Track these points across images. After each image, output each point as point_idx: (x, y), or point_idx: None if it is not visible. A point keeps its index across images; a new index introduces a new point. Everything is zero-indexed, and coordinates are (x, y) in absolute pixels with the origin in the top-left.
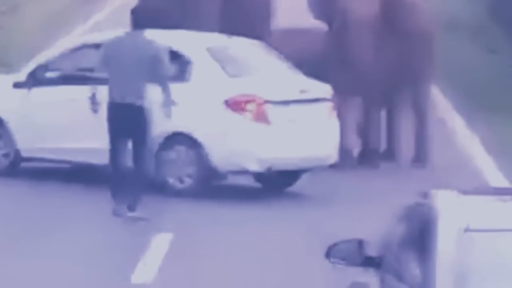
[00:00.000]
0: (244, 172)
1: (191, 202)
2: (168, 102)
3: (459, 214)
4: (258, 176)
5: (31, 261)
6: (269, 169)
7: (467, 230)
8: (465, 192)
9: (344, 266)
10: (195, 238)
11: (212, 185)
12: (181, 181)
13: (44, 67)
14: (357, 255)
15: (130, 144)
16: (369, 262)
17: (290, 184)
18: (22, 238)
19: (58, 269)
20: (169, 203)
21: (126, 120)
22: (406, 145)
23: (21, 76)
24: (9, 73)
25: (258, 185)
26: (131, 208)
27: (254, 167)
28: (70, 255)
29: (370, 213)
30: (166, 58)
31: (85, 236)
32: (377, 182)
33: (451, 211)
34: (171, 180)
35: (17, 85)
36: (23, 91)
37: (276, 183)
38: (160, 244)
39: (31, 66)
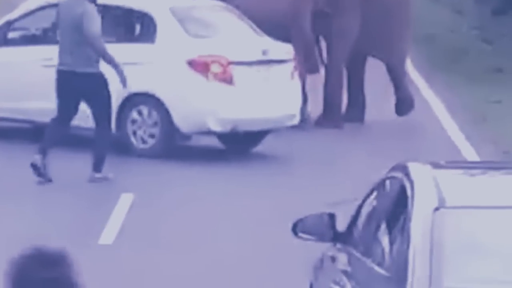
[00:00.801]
0: (207, 132)
1: (153, 163)
2: (122, 79)
3: (433, 189)
4: (222, 137)
5: None
6: (233, 129)
7: (441, 205)
8: (439, 166)
9: (312, 241)
10: (157, 198)
11: (176, 146)
12: (144, 141)
13: (6, 27)
14: (326, 230)
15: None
16: (338, 237)
17: (253, 145)
18: None
19: (23, 230)
20: (132, 163)
21: (79, 89)
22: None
23: None
24: None
25: (222, 146)
26: (97, 169)
27: (217, 127)
28: (36, 215)
29: (333, 172)
30: (94, 14)
31: (50, 196)
32: (341, 143)
33: (425, 186)
34: (134, 140)
35: None
36: None
37: (240, 144)
38: (123, 204)
39: None
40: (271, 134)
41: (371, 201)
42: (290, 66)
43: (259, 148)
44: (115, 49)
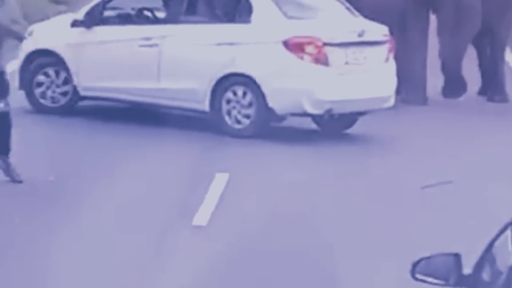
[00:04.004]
0: (302, 114)
1: (248, 143)
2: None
3: None
4: (316, 118)
5: (85, 201)
6: (328, 111)
7: None
8: None
9: (434, 286)
10: (251, 179)
11: (270, 127)
12: (239, 122)
13: (101, 6)
14: (452, 273)
15: None
16: (464, 281)
17: (347, 127)
18: (78, 177)
19: (117, 212)
20: (227, 144)
21: None
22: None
23: (79, 15)
24: (67, 11)
25: (315, 127)
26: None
27: (313, 109)
28: (128, 195)
29: (429, 155)
30: None
31: (142, 175)
32: (439, 123)
33: None
34: (228, 121)
35: (75, 23)
36: (82, 29)
37: (334, 125)
38: (217, 184)
39: (89, 5)
40: (366, 115)
41: (503, 242)
42: (386, 47)
43: (353, 129)
44: (211, 30)
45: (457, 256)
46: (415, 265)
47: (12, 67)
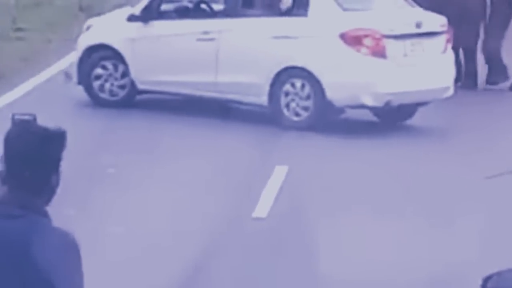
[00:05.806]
0: (360, 106)
1: (307, 135)
2: None
3: None
4: (375, 110)
5: (146, 192)
6: (387, 103)
7: None
8: None
9: None
10: (310, 171)
11: (328, 119)
12: (297, 114)
13: (159, 0)
14: None
15: None
16: None
17: (407, 118)
18: (137, 169)
19: (178, 202)
20: (286, 136)
21: None
22: None
23: (136, 9)
24: (123, 6)
25: (374, 119)
26: None
27: (371, 102)
28: (187, 188)
29: (490, 147)
30: None
31: (203, 168)
32: (499, 116)
33: None
34: (287, 113)
35: (131, 18)
36: (139, 24)
37: (393, 117)
38: (277, 177)
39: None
40: (426, 106)
41: None
42: (444, 38)
43: (413, 120)
44: (269, 23)
45: None
46: (486, 280)
47: (70, 59)
